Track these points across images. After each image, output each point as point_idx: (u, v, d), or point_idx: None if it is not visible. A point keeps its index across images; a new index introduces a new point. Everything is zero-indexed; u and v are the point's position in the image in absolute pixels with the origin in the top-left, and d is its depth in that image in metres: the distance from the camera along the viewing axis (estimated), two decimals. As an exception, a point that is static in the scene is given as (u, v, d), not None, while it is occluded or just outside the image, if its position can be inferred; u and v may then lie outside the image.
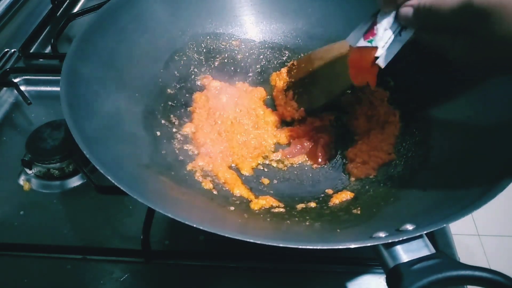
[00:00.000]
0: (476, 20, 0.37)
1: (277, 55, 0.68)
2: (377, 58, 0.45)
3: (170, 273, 0.49)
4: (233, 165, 0.56)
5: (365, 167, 0.54)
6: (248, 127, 0.59)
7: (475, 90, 0.51)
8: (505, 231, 1.54)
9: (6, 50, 0.78)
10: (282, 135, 0.59)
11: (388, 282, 0.35)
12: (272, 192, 0.53)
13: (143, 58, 0.59)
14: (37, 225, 0.54)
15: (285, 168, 0.56)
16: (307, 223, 0.47)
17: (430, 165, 0.50)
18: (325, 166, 0.56)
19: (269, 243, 0.34)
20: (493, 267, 0.34)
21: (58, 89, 0.53)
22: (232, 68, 0.67)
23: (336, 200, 0.50)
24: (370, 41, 0.45)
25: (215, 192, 0.51)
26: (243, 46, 0.69)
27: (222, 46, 0.68)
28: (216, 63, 0.67)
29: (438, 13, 0.39)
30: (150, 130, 0.55)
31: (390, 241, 0.35)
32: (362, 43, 0.46)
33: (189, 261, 0.50)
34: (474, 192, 0.39)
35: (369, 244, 0.35)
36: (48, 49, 0.80)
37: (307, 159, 0.57)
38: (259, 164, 0.56)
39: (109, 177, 0.39)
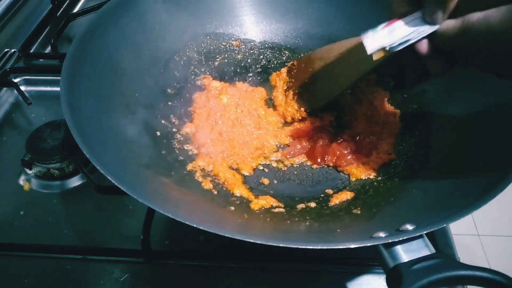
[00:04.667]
0: None
1: (277, 55, 0.68)
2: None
3: (170, 273, 0.49)
4: (233, 165, 0.56)
5: (365, 167, 0.54)
6: (250, 128, 0.59)
7: (475, 91, 0.51)
8: (505, 231, 1.54)
9: (6, 50, 0.78)
10: (282, 135, 0.59)
11: (388, 282, 0.35)
12: (272, 192, 0.53)
13: (143, 58, 0.59)
14: (37, 225, 0.54)
15: (285, 168, 0.56)
16: (307, 223, 0.47)
17: (430, 165, 0.50)
18: (325, 166, 0.56)
19: (269, 243, 0.34)
20: (493, 267, 0.34)
21: (58, 89, 0.53)
22: (232, 68, 0.67)
23: (336, 200, 0.50)
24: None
25: (215, 192, 0.51)
26: (243, 46, 0.69)
27: (222, 46, 0.68)
28: (216, 63, 0.67)
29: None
30: (150, 130, 0.55)
31: (390, 241, 0.35)
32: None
33: (189, 261, 0.50)
34: (474, 192, 0.39)
35: (369, 244, 0.35)
36: (48, 49, 0.80)
37: (307, 159, 0.57)
38: (259, 164, 0.56)
39: (109, 177, 0.39)
